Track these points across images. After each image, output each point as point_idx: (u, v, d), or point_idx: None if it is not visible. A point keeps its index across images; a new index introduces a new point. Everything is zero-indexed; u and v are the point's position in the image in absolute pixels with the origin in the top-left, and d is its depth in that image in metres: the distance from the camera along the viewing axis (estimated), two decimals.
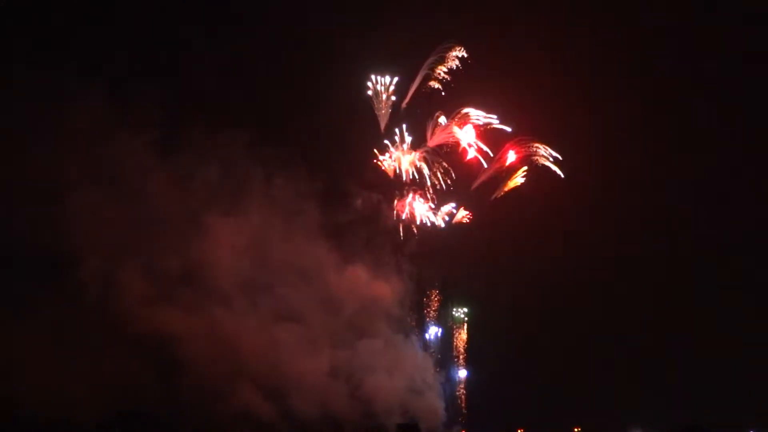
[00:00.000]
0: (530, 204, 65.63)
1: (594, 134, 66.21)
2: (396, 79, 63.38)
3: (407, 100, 63.74)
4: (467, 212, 65.49)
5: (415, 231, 64.93)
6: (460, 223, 65.55)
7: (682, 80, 69.72)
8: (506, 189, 65.13)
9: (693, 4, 68.62)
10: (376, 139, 64.18)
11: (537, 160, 64.43)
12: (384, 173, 64.43)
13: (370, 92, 63.35)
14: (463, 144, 64.08)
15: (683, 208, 70.26)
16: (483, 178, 65.03)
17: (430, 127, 64.29)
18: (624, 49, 67.94)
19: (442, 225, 65.16)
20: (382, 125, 63.93)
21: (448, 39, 62.62)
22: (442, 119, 63.94)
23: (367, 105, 63.57)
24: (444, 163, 64.49)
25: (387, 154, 64.27)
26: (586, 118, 65.95)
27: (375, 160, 64.18)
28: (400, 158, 64.42)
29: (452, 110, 64.06)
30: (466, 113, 63.90)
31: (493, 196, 65.51)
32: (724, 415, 65.79)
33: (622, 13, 67.56)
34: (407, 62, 63.53)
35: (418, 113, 64.06)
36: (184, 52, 60.08)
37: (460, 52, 62.89)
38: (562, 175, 64.28)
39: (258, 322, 58.99)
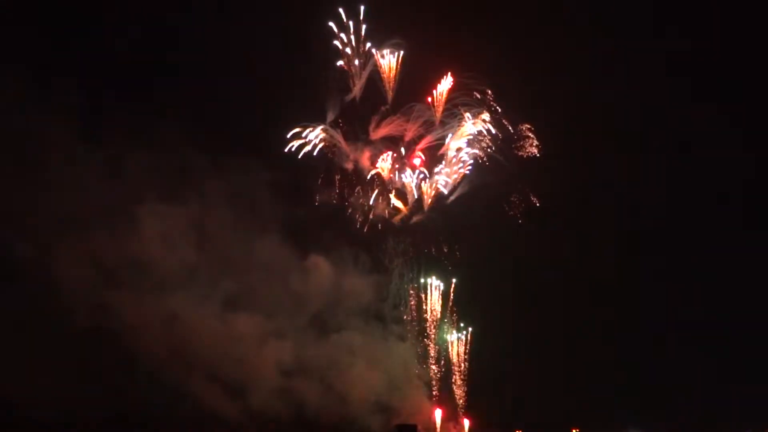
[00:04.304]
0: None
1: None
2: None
3: (353, 93, 64.51)
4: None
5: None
6: None
7: None
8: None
9: None
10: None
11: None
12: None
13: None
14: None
15: (682, 206, 70.39)
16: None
17: (375, 120, 64.89)
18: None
19: None
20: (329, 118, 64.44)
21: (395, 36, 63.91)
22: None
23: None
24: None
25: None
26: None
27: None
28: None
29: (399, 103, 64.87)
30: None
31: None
32: (721, 415, 65.90)
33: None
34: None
35: (364, 106, 64.86)
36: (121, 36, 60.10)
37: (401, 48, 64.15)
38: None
39: (219, 316, 57.54)
